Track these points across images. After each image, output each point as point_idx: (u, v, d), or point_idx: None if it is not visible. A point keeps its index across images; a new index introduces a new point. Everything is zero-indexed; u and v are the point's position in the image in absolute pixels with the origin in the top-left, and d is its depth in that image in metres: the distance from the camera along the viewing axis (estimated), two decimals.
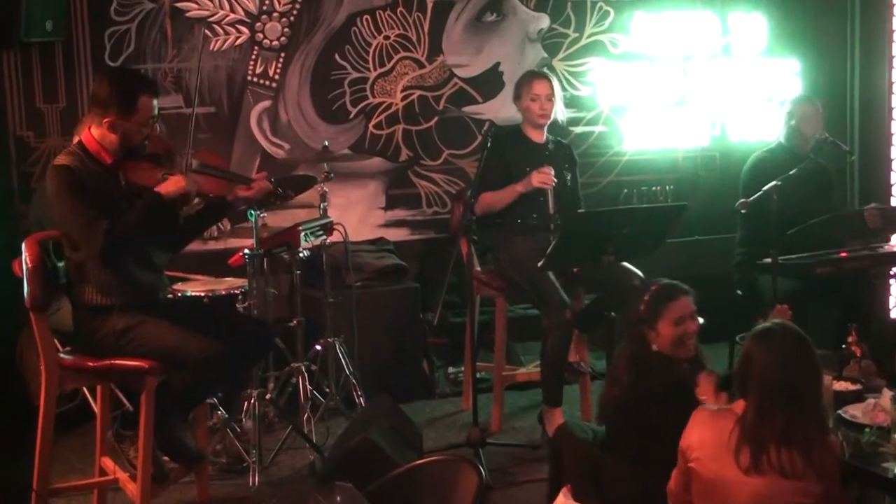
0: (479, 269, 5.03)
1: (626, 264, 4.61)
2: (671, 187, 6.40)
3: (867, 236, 4.93)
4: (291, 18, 5.74)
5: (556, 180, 4.72)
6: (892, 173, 6.54)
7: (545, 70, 5.41)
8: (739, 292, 5.15)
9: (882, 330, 4.94)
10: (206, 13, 5.59)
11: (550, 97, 4.85)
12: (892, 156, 6.53)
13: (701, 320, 3.50)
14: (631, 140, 6.32)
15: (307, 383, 4.76)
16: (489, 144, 4.40)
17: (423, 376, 5.50)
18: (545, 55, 6.16)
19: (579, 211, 4.68)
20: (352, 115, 5.85)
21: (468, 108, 6.04)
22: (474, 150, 5.97)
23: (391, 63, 5.90)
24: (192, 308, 4.30)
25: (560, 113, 4.95)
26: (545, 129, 4.93)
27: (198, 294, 4.61)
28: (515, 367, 5.38)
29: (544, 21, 6.15)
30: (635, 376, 3.39)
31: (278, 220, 5.20)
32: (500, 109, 5.99)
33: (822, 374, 2.98)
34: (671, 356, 3.43)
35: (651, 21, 6.32)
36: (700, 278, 4.03)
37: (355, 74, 5.85)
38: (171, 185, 3.67)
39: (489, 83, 6.06)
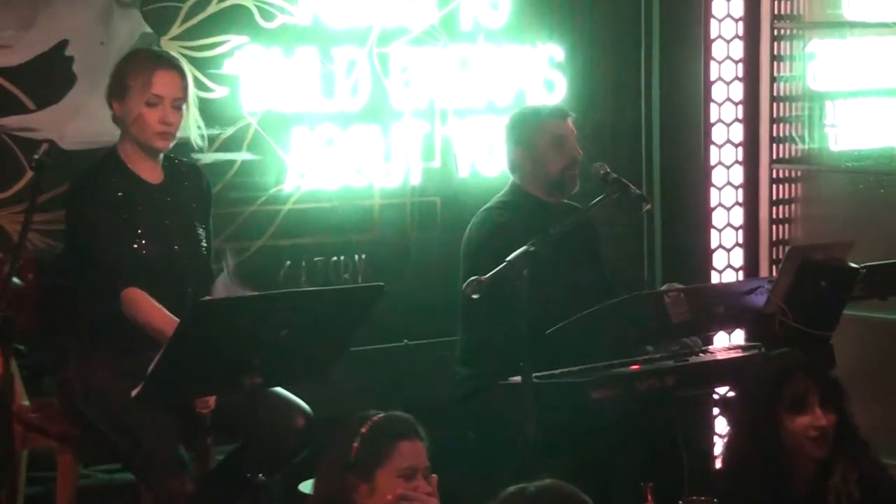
0: (26, 403, 5.14)
1: (281, 391, 4.82)
2: (363, 256, 6.47)
3: (673, 335, 5.17)
4: None
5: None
6: (714, 231, 6.86)
7: (169, 54, 5.46)
8: (471, 434, 5.27)
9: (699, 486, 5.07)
10: None
11: (180, 102, 5.00)
12: (713, 202, 6.83)
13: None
14: (296, 175, 6.35)
15: None
16: (87, 185, 4.61)
17: None
18: (148, 30, 6.12)
19: (201, 300, 4.68)
20: None
21: (10, 121, 5.92)
22: (21, 194, 5.80)
23: None
24: None
25: (195, 132, 5.20)
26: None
27: None
28: None
29: None
30: None
31: None
32: (69, 122, 5.93)
33: None
34: None
35: None
36: (414, 412, 4.01)
37: None
38: None
39: (48, 78, 5.98)
